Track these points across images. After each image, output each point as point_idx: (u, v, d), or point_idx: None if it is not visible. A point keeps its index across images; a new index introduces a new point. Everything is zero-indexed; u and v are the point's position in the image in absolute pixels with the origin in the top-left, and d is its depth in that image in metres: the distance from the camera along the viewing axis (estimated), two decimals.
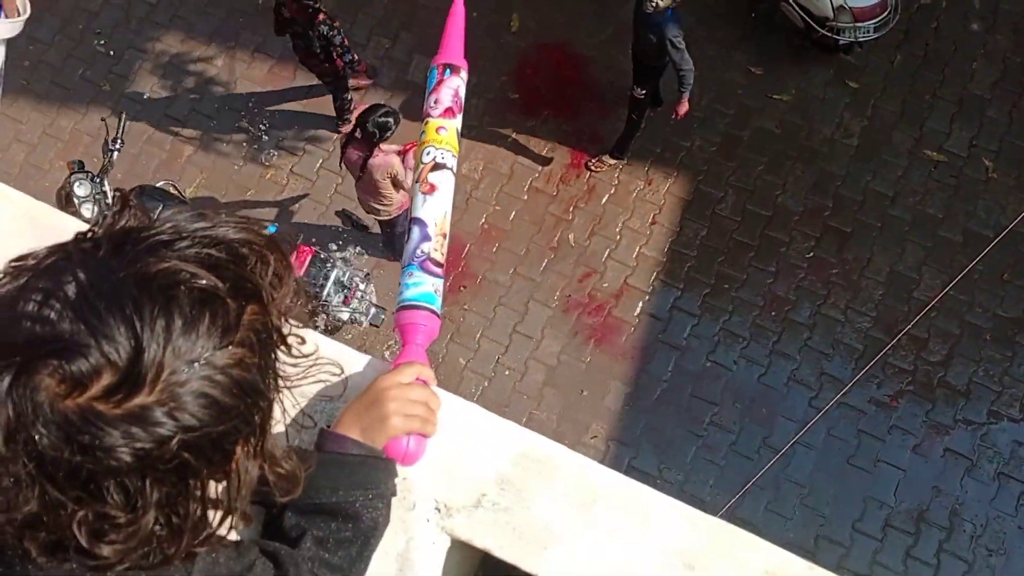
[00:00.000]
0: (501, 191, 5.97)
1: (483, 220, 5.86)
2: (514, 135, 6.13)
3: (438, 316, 1.24)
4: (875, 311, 5.71)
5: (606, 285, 5.80)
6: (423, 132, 1.34)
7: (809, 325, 5.71)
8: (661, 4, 4.81)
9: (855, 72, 6.17)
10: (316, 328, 4.95)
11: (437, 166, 1.30)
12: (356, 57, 5.43)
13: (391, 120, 4.81)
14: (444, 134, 1.33)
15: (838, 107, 6.11)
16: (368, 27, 6.39)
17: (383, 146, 4.89)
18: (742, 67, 6.20)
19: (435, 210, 1.28)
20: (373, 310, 5.40)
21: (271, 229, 5.17)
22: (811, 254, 5.84)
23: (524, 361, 5.64)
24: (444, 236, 1.28)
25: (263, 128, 6.18)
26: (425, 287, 1.23)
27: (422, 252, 1.25)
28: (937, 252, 5.80)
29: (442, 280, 1.26)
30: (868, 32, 5.69)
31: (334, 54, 5.30)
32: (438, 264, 1.25)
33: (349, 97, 5.86)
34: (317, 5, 5.03)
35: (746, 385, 5.58)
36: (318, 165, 6.10)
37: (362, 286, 5.31)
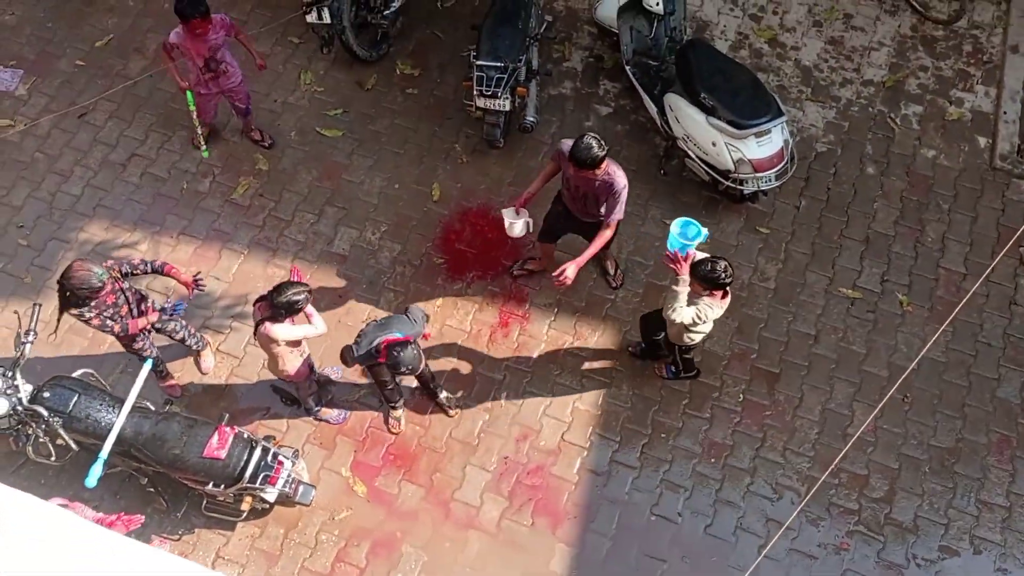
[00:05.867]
0: (430, 355, 5.94)
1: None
2: (442, 299, 6.18)
3: None
4: (812, 451, 5.69)
5: (543, 443, 5.71)
6: None
7: (750, 470, 5.64)
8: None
9: (764, 218, 6.43)
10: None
11: None
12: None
13: (300, 300, 4.84)
14: None
15: (752, 253, 6.31)
16: (294, 204, 6.53)
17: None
18: (657, 221, 6.42)
19: None
20: (302, 488, 5.21)
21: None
22: (743, 398, 5.86)
23: (464, 530, 5.44)
24: None
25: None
26: None
27: None
28: (865, 387, 5.86)
29: None
30: (770, 181, 5.97)
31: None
32: None
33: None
34: None
35: (693, 538, 5.43)
36: (244, 342, 6.04)
37: (289, 464, 5.14)
